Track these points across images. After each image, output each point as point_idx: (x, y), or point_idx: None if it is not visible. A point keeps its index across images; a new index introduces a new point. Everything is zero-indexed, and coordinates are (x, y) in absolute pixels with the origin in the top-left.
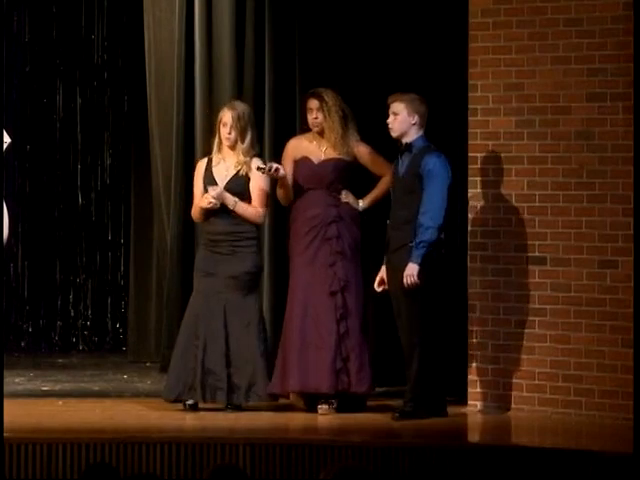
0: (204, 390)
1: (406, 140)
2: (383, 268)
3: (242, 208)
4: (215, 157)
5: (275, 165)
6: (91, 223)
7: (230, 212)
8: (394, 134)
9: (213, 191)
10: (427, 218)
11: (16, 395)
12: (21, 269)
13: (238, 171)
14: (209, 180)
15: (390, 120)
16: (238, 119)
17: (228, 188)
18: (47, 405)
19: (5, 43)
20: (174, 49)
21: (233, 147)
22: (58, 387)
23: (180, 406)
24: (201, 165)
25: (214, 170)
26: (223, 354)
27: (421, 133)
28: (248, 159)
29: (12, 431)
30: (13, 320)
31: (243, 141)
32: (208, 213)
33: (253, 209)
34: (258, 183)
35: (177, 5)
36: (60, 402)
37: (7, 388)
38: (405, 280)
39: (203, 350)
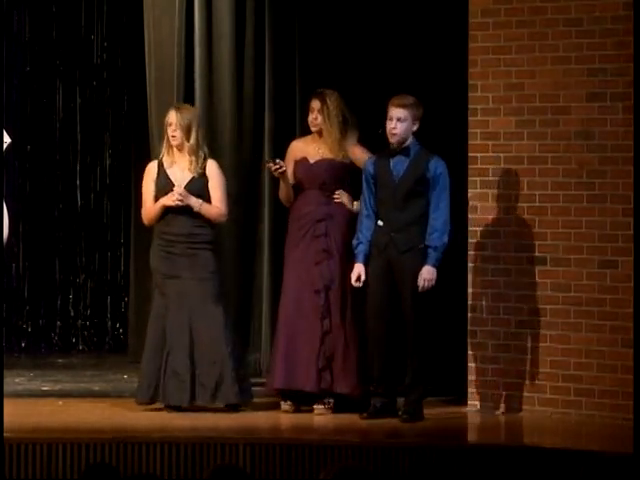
0: (168, 391)
1: (404, 144)
2: (360, 266)
3: (206, 209)
4: (166, 160)
5: (282, 162)
6: (91, 223)
7: (190, 214)
8: (396, 139)
9: (181, 190)
10: (441, 223)
11: (16, 395)
12: (22, 269)
13: (195, 173)
14: (165, 182)
15: (393, 126)
16: (182, 118)
17: (188, 189)
18: (47, 405)
19: (5, 43)
20: (174, 49)
21: (181, 147)
22: (58, 387)
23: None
24: (152, 168)
25: (168, 172)
26: (188, 355)
27: (413, 135)
28: (199, 157)
29: (12, 431)
30: (13, 320)
31: (189, 139)
32: (165, 214)
33: (216, 209)
34: (218, 182)
35: (177, 5)
36: (60, 402)
37: (7, 388)
38: (423, 284)
39: (168, 352)
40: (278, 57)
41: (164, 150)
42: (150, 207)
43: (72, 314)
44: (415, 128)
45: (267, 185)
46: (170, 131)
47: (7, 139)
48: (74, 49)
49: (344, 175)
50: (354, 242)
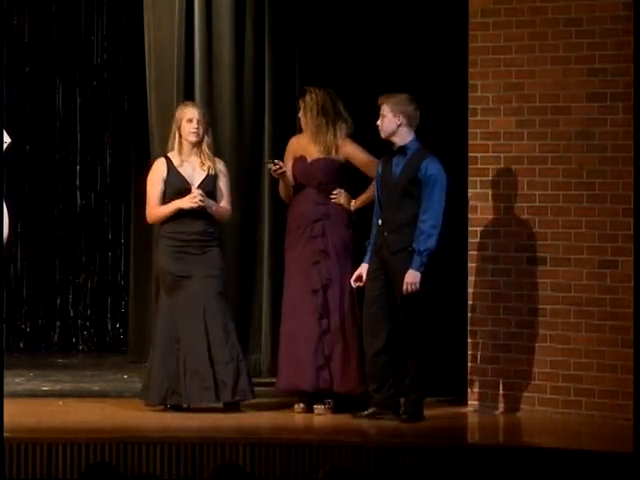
0: (191, 392)
1: (398, 142)
2: (365, 266)
3: (218, 209)
4: (176, 158)
5: (281, 162)
6: (91, 223)
7: (202, 213)
8: (382, 135)
9: (200, 192)
10: (429, 225)
11: (16, 395)
12: (20, 269)
13: (208, 171)
14: (179, 181)
15: (379, 122)
16: (203, 115)
17: (202, 188)
18: (47, 405)
19: (5, 43)
20: (174, 49)
21: (199, 144)
22: (58, 387)
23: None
24: (160, 166)
25: (180, 171)
26: (206, 354)
27: (413, 135)
28: (211, 156)
29: (12, 431)
30: (12, 320)
31: (208, 135)
32: (177, 214)
33: (224, 208)
34: (226, 181)
35: (177, 5)
36: (60, 402)
37: (7, 388)
38: (405, 287)
39: (185, 353)
40: (278, 57)
41: (175, 148)
42: (156, 206)
43: (72, 314)
44: (399, 122)
45: (267, 185)
46: (191, 128)
47: (7, 139)
48: (74, 49)
49: (341, 174)
50: (367, 241)
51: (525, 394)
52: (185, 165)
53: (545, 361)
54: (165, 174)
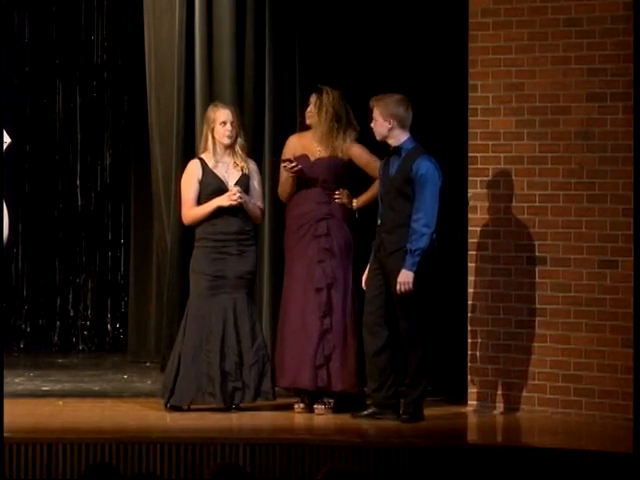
0: (224, 393)
1: (392, 143)
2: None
3: (255, 208)
4: (211, 158)
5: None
6: (91, 223)
7: (239, 212)
8: (377, 137)
9: (239, 189)
10: (421, 225)
11: (16, 395)
12: (21, 269)
13: (242, 170)
14: (215, 182)
15: (372, 125)
16: (236, 115)
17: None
18: (47, 405)
19: (5, 43)
20: (174, 49)
21: (232, 145)
22: (58, 387)
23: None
24: (195, 167)
25: (216, 172)
26: (237, 355)
27: (407, 135)
28: (244, 156)
29: (12, 431)
30: (13, 320)
31: (241, 136)
32: (214, 214)
33: (258, 208)
34: (259, 181)
35: (177, 5)
36: (60, 402)
37: (7, 388)
38: (399, 287)
39: (220, 353)
40: (278, 57)
41: (210, 149)
42: (192, 207)
43: (72, 314)
44: (390, 125)
45: (267, 184)
46: (225, 131)
47: (7, 139)
48: (74, 49)
49: (344, 174)
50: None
51: (525, 394)
52: (219, 166)
53: (545, 361)
54: (200, 175)
